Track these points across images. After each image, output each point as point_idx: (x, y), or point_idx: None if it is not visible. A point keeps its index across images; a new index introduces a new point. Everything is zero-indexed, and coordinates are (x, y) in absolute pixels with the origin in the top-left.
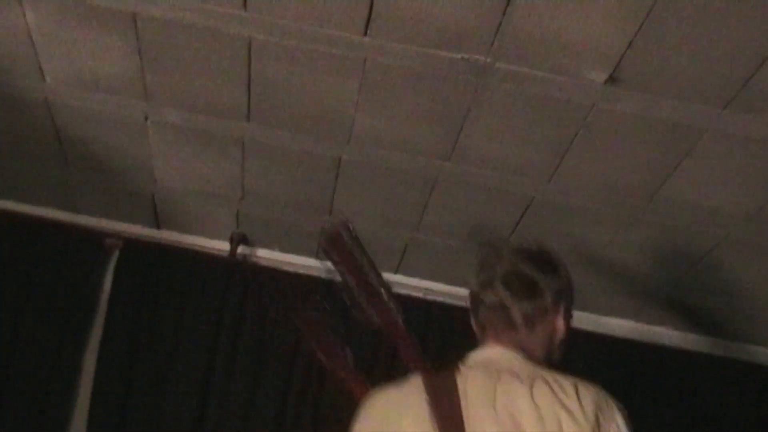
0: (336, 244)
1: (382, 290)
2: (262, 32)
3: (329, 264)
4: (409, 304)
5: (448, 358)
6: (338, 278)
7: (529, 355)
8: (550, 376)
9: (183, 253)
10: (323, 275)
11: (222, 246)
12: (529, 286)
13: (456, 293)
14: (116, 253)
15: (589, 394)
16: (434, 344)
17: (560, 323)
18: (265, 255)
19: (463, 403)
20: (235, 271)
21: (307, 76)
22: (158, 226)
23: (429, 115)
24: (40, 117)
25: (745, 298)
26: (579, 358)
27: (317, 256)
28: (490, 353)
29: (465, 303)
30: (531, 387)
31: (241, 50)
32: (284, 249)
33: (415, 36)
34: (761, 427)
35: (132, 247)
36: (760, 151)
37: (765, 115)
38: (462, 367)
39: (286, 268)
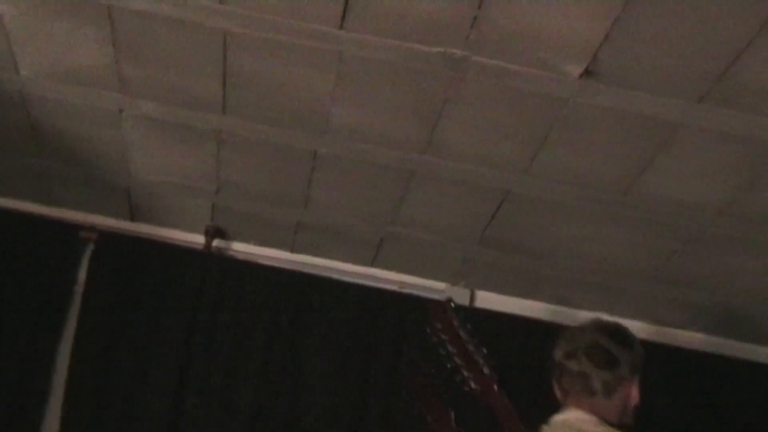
0: (441, 316)
1: (480, 359)
2: (238, 25)
3: (432, 333)
4: (384, 297)
5: (425, 352)
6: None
7: (604, 419)
8: None
9: (158, 246)
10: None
11: (197, 239)
12: (608, 359)
13: (432, 287)
14: (91, 246)
15: None
16: (409, 338)
17: (634, 392)
18: (240, 248)
19: None
20: (211, 265)
21: (283, 69)
22: (133, 219)
23: (405, 109)
24: (15, 109)
25: (719, 291)
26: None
27: (292, 250)
28: (569, 416)
29: (440, 296)
30: None
31: (217, 43)
32: (260, 242)
33: (391, 29)
34: (732, 420)
35: (107, 239)
36: (735, 145)
37: (740, 109)
38: (546, 428)
39: (261, 261)
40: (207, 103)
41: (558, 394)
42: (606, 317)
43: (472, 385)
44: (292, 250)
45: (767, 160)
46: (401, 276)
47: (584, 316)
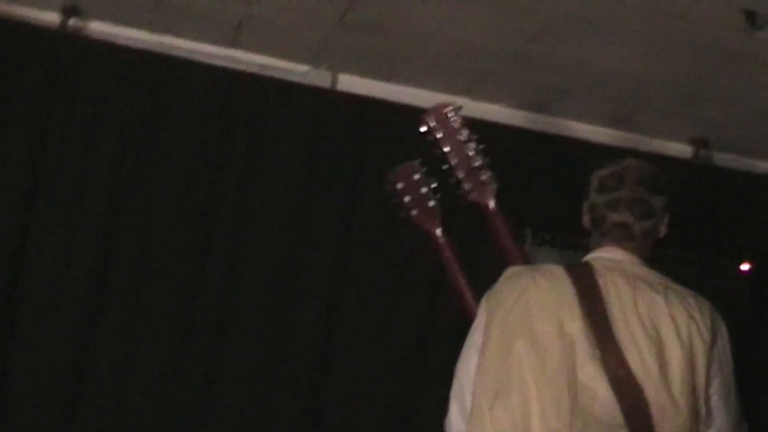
0: (443, 123)
1: (479, 165)
2: None
3: (431, 140)
4: (244, 79)
5: (283, 135)
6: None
7: (642, 259)
8: (675, 285)
9: (8, 26)
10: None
11: (52, 18)
12: (647, 209)
13: (293, 69)
14: None
15: (706, 308)
16: (270, 120)
17: (664, 229)
18: (97, 28)
19: (607, 305)
20: (66, 45)
21: None
22: None
23: None
24: None
25: (576, 75)
26: (417, 135)
27: (152, 30)
28: (616, 256)
29: (303, 80)
30: (665, 297)
31: None
32: (118, 21)
33: None
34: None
35: None
36: None
37: None
38: (597, 267)
39: (120, 41)
40: None
41: (595, 234)
42: (466, 101)
43: (467, 188)
44: (151, 31)
45: None
46: (262, 58)
47: (444, 99)
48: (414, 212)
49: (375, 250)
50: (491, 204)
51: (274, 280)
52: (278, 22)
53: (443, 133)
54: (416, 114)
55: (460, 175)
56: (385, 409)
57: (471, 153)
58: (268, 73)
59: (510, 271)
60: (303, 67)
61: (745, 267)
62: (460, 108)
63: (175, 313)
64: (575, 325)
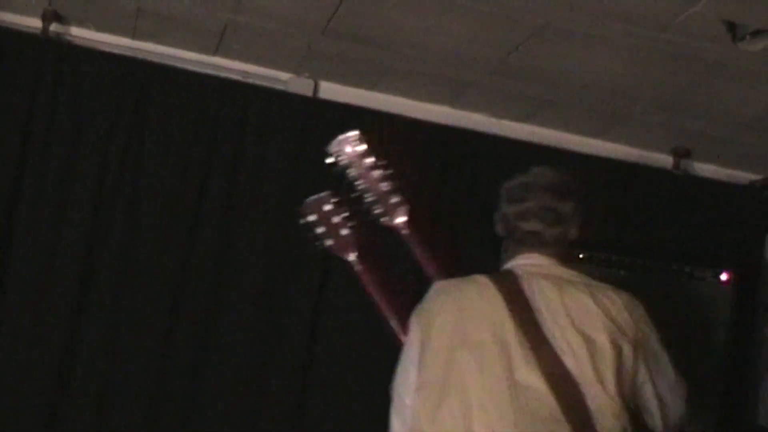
0: (349, 153)
1: (389, 187)
2: None
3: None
4: (227, 87)
5: (266, 143)
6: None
7: (561, 261)
8: (595, 282)
9: None
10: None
11: (34, 23)
12: (556, 216)
13: (275, 77)
14: None
15: (626, 299)
16: (252, 128)
17: (576, 232)
18: (79, 34)
19: (536, 308)
20: (48, 51)
21: None
22: None
23: None
24: None
25: (558, 85)
26: (396, 142)
27: (134, 37)
28: (536, 261)
29: (286, 88)
30: (589, 295)
31: None
32: (100, 28)
33: None
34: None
35: None
36: None
37: None
38: (520, 273)
39: (102, 48)
40: None
41: (510, 243)
42: (448, 110)
43: (379, 212)
44: (133, 37)
45: None
46: (245, 65)
47: (426, 108)
48: (329, 242)
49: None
50: (404, 225)
51: (259, 284)
52: (261, 30)
53: (350, 162)
54: (399, 123)
55: (371, 200)
56: (367, 413)
57: (379, 178)
58: (250, 80)
59: (438, 286)
60: (285, 75)
61: (725, 277)
62: (364, 137)
63: (159, 322)
64: (508, 331)
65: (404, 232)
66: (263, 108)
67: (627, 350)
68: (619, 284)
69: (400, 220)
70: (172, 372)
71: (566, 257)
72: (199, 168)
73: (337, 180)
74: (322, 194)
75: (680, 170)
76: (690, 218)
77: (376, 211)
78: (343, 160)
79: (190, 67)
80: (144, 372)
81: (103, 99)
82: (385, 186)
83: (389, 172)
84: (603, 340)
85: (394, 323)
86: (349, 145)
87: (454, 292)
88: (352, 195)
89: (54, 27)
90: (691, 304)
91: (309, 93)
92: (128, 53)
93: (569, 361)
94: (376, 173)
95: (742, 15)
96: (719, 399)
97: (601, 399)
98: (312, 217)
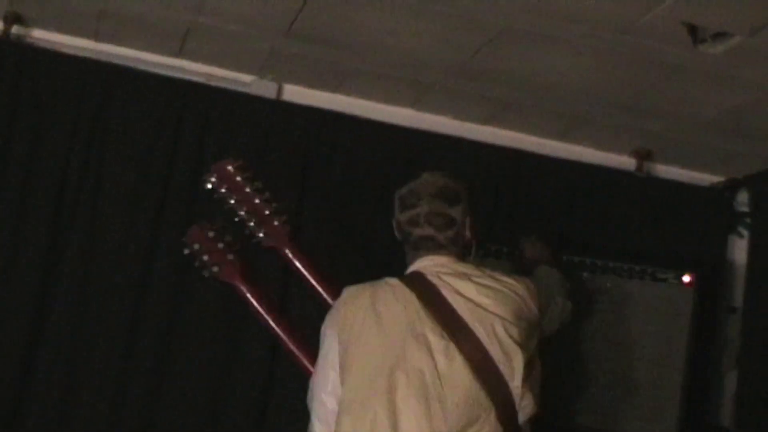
0: (227, 179)
1: (271, 211)
2: None
3: (223, 195)
4: (190, 89)
5: (229, 145)
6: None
7: (459, 259)
8: (495, 273)
9: None
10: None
11: None
12: (447, 220)
13: (239, 79)
14: None
15: (525, 284)
16: (216, 130)
17: (469, 234)
18: (41, 36)
19: (449, 302)
20: (8, 53)
21: None
22: None
23: None
24: None
25: (520, 87)
26: (362, 145)
27: (96, 39)
28: (438, 261)
29: (249, 90)
30: (493, 284)
31: None
32: (62, 30)
33: None
34: (533, 212)
35: None
36: None
37: None
38: (427, 272)
39: (63, 50)
40: None
41: (408, 248)
42: (411, 112)
43: (261, 235)
44: (96, 39)
45: None
46: (208, 68)
47: (389, 111)
48: (215, 269)
49: (323, 255)
50: (287, 247)
51: (222, 285)
52: (224, 32)
53: (228, 188)
54: (362, 125)
55: (253, 224)
56: None
57: (260, 202)
58: (213, 82)
59: (349, 292)
60: (248, 77)
61: (687, 279)
62: (241, 163)
63: (123, 320)
64: (426, 326)
65: (288, 252)
66: (226, 110)
67: (526, 326)
68: (583, 286)
69: (284, 241)
70: (135, 370)
71: (462, 256)
72: (161, 170)
73: (220, 205)
74: (202, 222)
75: (643, 172)
76: (652, 220)
77: (260, 234)
78: (222, 185)
79: (152, 69)
80: (108, 368)
81: (65, 101)
82: (267, 210)
83: (267, 196)
84: (509, 324)
85: (287, 348)
86: (227, 172)
87: (367, 295)
88: (236, 219)
89: (15, 29)
90: (654, 306)
91: (272, 95)
92: (91, 55)
93: (491, 348)
94: (257, 197)
95: (702, 18)
96: (681, 400)
97: (515, 380)
98: (195, 246)
